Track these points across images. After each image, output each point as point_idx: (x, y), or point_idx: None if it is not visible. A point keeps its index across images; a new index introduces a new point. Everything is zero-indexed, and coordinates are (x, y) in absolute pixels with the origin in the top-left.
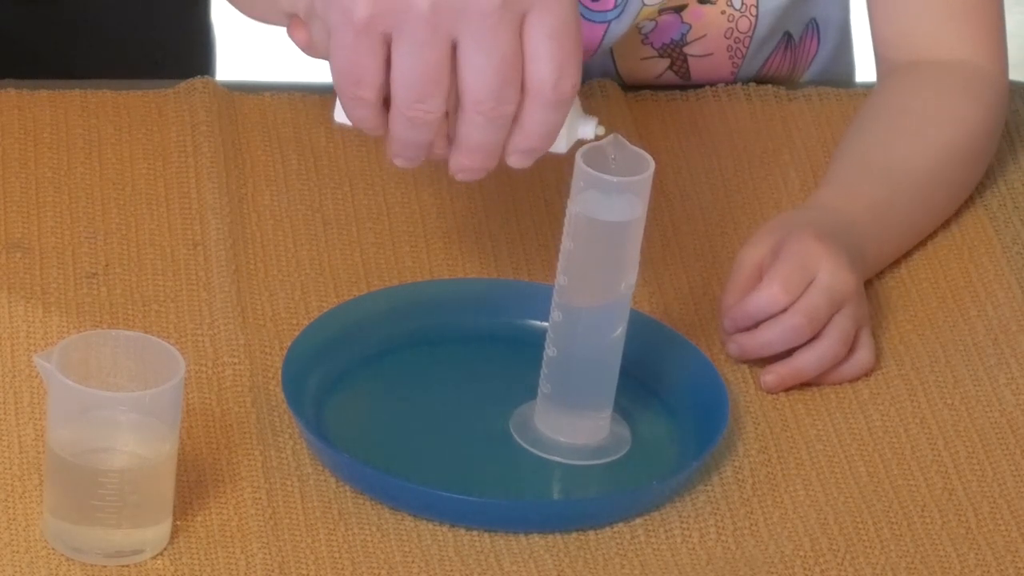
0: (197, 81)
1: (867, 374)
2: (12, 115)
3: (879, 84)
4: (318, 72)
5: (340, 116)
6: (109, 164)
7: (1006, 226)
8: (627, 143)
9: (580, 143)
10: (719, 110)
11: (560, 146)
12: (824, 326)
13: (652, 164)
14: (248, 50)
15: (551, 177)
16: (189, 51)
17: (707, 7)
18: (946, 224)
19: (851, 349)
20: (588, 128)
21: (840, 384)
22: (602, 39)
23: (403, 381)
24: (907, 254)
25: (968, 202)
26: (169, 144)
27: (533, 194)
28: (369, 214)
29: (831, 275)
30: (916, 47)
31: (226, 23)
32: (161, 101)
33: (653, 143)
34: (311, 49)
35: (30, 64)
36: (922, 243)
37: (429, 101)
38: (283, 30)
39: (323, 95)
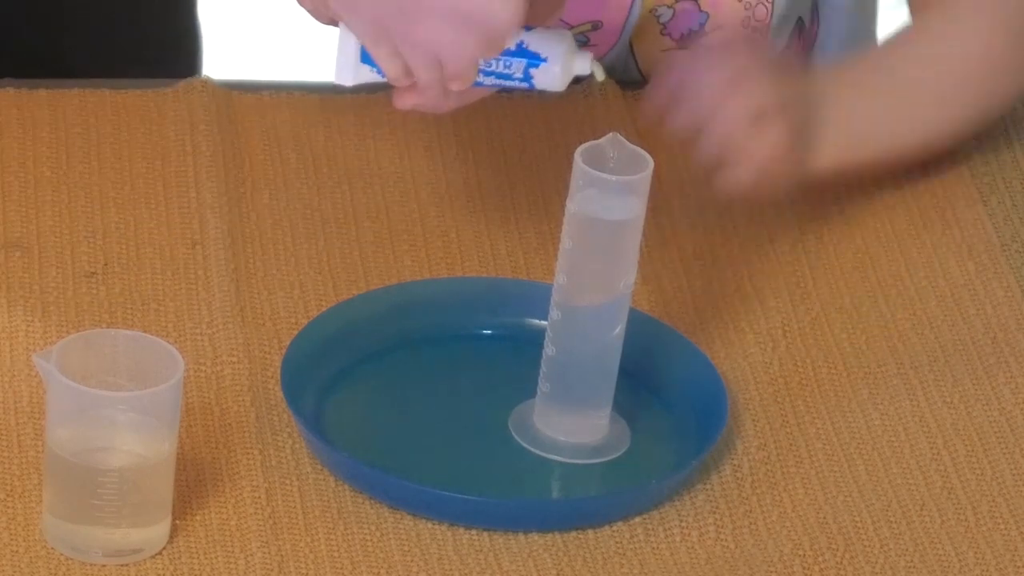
0: (196, 81)
1: (774, 159)
2: (11, 114)
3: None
4: (317, 72)
5: (343, 77)
6: (108, 163)
7: (1006, 225)
8: (626, 142)
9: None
10: None
11: (556, 84)
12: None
13: (651, 163)
14: (242, 49)
15: (550, 176)
16: (176, 48)
17: None
18: (946, 224)
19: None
20: (584, 63)
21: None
22: (627, 15)
23: (402, 380)
24: (907, 254)
25: (968, 201)
26: (168, 144)
27: (533, 194)
28: (368, 213)
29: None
30: None
31: (217, 23)
32: (160, 101)
33: (653, 143)
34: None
35: (13, 58)
36: (922, 243)
37: None
38: (280, 26)
39: (322, 95)
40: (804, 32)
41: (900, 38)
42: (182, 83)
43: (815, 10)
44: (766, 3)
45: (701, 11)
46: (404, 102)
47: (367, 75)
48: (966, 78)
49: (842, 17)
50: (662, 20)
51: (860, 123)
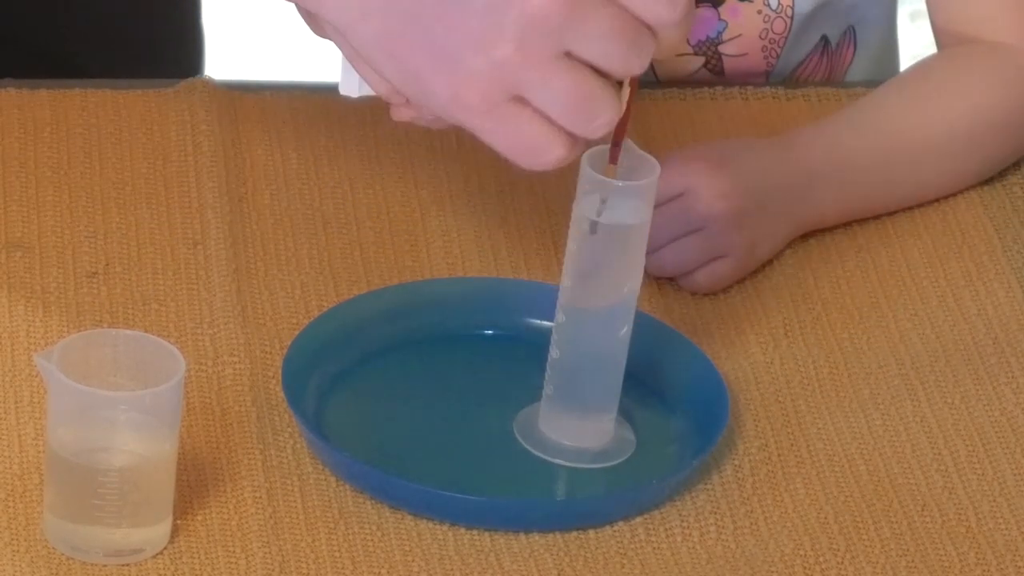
0: (197, 81)
1: (699, 292)
2: (12, 114)
3: None
4: (318, 72)
5: (348, 88)
6: (109, 163)
7: (1006, 226)
8: (634, 147)
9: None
10: (716, 111)
11: None
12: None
13: (658, 168)
14: (244, 49)
15: (551, 177)
16: (177, 48)
17: (744, 4)
18: (946, 224)
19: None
20: None
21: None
22: None
23: (404, 381)
24: (907, 254)
25: (968, 202)
26: (169, 143)
27: (533, 194)
28: (369, 214)
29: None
30: (964, 27)
31: (219, 22)
32: (161, 100)
33: (652, 143)
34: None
35: (14, 57)
36: (922, 243)
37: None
38: (282, 26)
39: (323, 95)
40: (831, 52)
41: (907, 94)
42: (183, 83)
43: (851, 34)
44: (785, 17)
45: (720, 19)
46: (401, 115)
47: None
48: (977, 133)
49: (874, 41)
50: None
51: (861, 186)
